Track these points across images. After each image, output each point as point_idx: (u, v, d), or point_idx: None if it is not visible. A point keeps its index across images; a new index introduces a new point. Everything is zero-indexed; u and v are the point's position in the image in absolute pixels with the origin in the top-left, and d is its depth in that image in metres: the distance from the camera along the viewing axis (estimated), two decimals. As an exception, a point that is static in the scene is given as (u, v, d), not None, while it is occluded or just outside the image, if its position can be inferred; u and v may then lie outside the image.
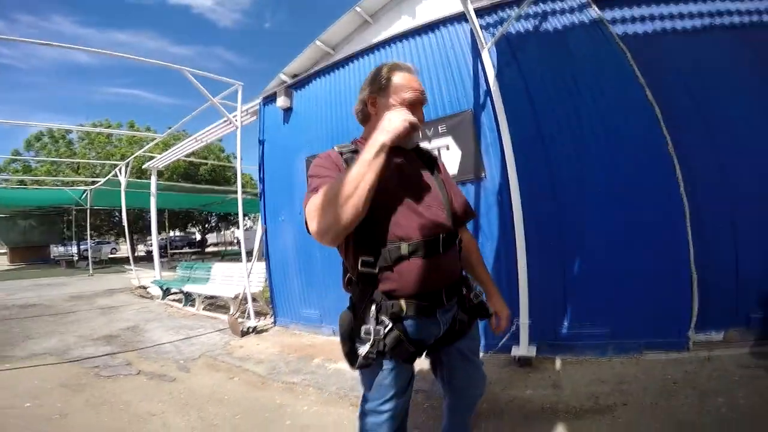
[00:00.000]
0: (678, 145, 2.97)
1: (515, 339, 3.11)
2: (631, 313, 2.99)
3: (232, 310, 5.46)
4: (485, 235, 3.52)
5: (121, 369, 3.63)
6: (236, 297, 5.44)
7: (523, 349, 3.04)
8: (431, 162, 1.38)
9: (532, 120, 3.39)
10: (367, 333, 1.07)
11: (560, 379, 2.75)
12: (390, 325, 1.07)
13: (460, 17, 3.72)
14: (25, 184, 15.80)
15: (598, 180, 3.16)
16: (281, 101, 5.07)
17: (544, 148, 3.34)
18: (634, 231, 3.03)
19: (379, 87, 1.25)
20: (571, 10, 3.43)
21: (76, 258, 19.66)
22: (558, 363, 3.01)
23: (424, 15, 4.39)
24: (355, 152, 1.19)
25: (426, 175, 1.29)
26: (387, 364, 1.11)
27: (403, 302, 1.09)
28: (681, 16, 3.24)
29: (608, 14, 3.34)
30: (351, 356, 1.11)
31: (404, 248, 1.09)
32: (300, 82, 5.14)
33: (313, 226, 1.01)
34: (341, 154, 1.20)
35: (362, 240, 1.11)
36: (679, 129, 3.00)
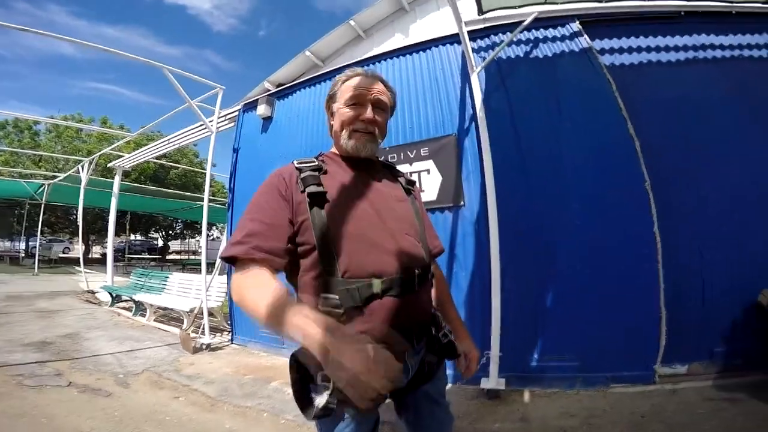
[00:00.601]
0: (654, 182, 3.05)
1: (485, 371, 3.00)
2: (600, 346, 2.98)
3: (185, 324, 5.10)
4: (460, 264, 3.45)
5: (49, 379, 3.25)
6: (191, 310, 5.09)
7: (493, 381, 2.94)
8: (408, 186, 1.27)
9: (515, 148, 3.41)
10: (325, 380, 0.87)
11: (529, 413, 2.69)
12: None
13: (452, 39, 3.78)
14: (-21, 173, 14.74)
15: (574, 212, 3.18)
16: (262, 109, 4.96)
17: (525, 178, 3.35)
18: (607, 266, 3.05)
19: (331, 95, 1.19)
20: (563, 38, 3.55)
21: (22, 255, 18.27)
22: (527, 395, 2.94)
23: (417, 34, 4.45)
24: (318, 170, 1.06)
25: (403, 199, 1.18)
26: (349, 412, 0.97)
27: None
28: (667, 48, 3.43)
29: (597, 44, 3.47)
30: (306, 405, 0.93)
31: (377, 285, 0.95)
32: (283, 92, 5.06)
33: (234, 297, 0.94)
34: (300, 170, 1.06)
35: (325, 273, 0.95)
36: (657, 166, 3.09)
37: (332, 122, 1.19)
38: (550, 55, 3.55)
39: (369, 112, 1.10)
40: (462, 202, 3.50)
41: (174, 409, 2.86)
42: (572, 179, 3.23)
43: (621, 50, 3.47)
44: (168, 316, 6.22)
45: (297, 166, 1.08)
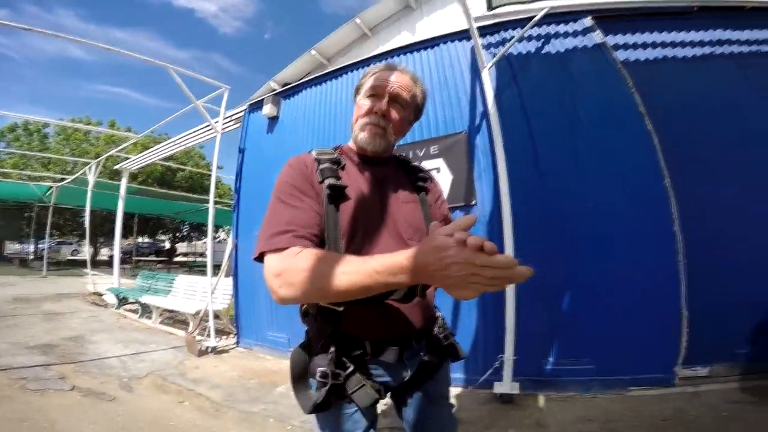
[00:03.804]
0: (675, 180, 2.95)
1: (498, 375, 2.93)
2: (618, 349, 2.90)
3: (191, 327, 5.05)
4: (472, 265, 3.35)
5: (52, 383, 3.20)
6: (197, 313, 5.04)
7: (507, 385, 2.86)
8: (422, 182, 1.20)
9: (529, 146, 3.32)
10: (324, 376, 0.91)
11: (544, 418, 2.61)
12: (352, 368, 0.94)
13: (461, 35, 3.69)
14: (-11, 176, 14.85)
15: (592, 213, 3.08)
16: (267, 109, 4.90)
17: (539, 176, 3.26)
18: (626, 268, 2.95)
19: (357, 87, 1.14)
20: (575, 34, 3.45)
21: (31, 257, 18.42)
22: (542, 400, 2.86)
23: (424, 32, 4.37)
24: (336, 162, 1.03)
25: (412, 199, 1.13)
26: (347, 408, 0.97)
27: (368, 345, 0.96)
28: (682, 44, 3.35)
29: (611, 39, 3.38)
30: (304, 400, 0.96)
31: None
32: (289, 91, 5.00)
33: (282, 291, 0.79)
34: (318, 161, 1.02)
35: None
36: (677, 163, 2.99)
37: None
38: (562, 50, 3.46)
39: (382, 104, 1.04)
40: (474, 201, 3.42)
41: (178, 414, 2.80)
42: (589, 177, 3.13)
43: (635, 46, 3.39)
44: (174, 318, 6.18)
45: (316, 156, 1.04)
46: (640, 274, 2.91)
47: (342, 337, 0.95)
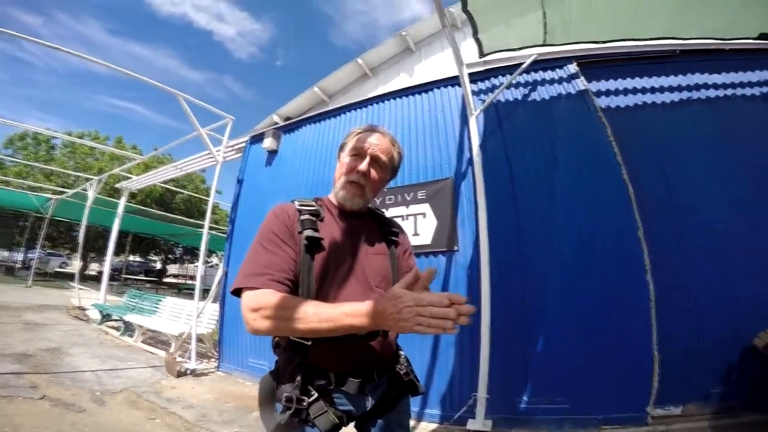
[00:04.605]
0: (647, 227, 3.07)
1: (472, 412, 2.92)
2: (591, 389, 2.91)
3: (172, 348, 4.99)
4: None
5: (22, 390, 3.15)
6: (180, 335, 5.00)
7: (479, 422, 2.86)
8: (394, 236, 1.30)
9: (509, 193, 3.45)
10: (289, 401, 0.99)
11: None
12: (316, 396, 1.02)
13: (454, 80, 3.87)
14: (-8, 182, 14.95)
15: (565, 257, 3.19)
16: (268, 142, 5.07)
17: (518, 223, 3.37)
18: (599, 311, 3.02)
19: (342, 145, 1.27)
20: (560, 80, 3.65)
21: (17, 266, 18.13)
22: (514, 438, 2.83)
23: (422, 75, 4.59)
24: (315, 215, 1.14)
25: (382, 251, 1.24)
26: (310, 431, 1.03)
27: (332, 376, 1.04)
28: (661, 89, 3.50)
29: (594, 86, 3.56)
30: (269, 421, 1.03)
31: None
32: (290, 126, 5.19)
33: (257, 324, 0.93)
34: (300, 212, 1.13)
35: None
36: (650, 211, 3.13)
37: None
38: (547, 97, 3.64)
39: (364, 165, 1.17)
40: (456, 247, 3.50)
41: (148, 429, 2.76)
42: (565, 224, 3.25)
43: (617, 92, 3.55)
44: (156, 338, 6.09)
45: (298, 207, 1.15)
46: (614, 319, 2.97)
47: (308, 367, 1.03)
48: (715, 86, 3.49)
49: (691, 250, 3.07)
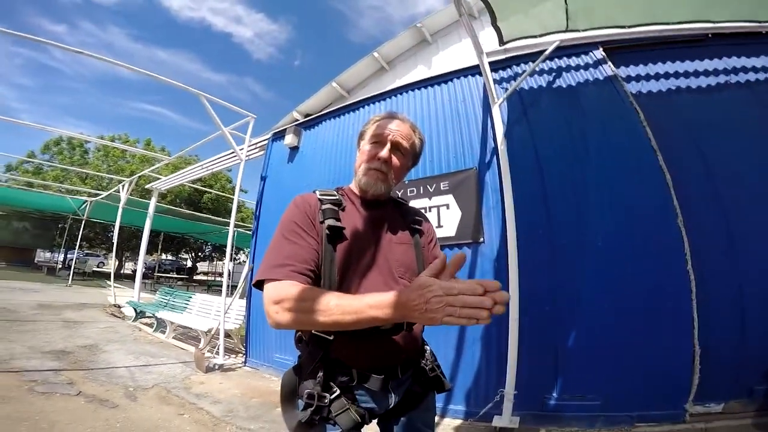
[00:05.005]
0: (687, 216, 2.89)
1: (498, 408, 2.84)
2: (626, 386, 2.79)
3: (201, 344, 5.12)
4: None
5: (60, 387, 3.29)
6: (209, 331, 5.13)
7: (506, 419, 2.77)
8: (417, 225, 1.26)
9: (538, 183, 3.31)
10: (311, 397, 0.96)
11: None
12: (338, 392, 0.99)
13: (474, 70, 3.76)
14: (32, 186, 15.82)
15: (599, 249, 3.03)
16: (289, 139, 5.12)
17: (547, 213, 3.23)
18: (635, 304, 2.86)
19: (361, 133, 1.24)
20: (586, 66, 3.46)
21: (59, 266, 19.16)
22: (542, 435, 2.75)
23: (439, 66, 4.49)
24: (337, 204, 1.11)
25: (405, 239, 1.19)
26: (330, 430, 1.00)
27: (355, 372, 1.01)
28: (696, 73, 3.26)
29: (623, 71, 3.35)
30: (290, 418, 1.01)
31: None
32: (310, 122, 5.21)
33: (279, 317, 0.89)
34: (321, 201, 1.10)
35: None
36: (689, 199, 2.93)
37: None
38: (573, 84, 3.47)
39: (385, 151, 1.13)
40: (481, 239, 3.40)
41: (176, 425, 2.82)
42: (598, 214, 3.09)
43: (648, 77, 3.33)
44: (187, 334, 6.28)
45: (319, 197, 1.12)
46: (651, 312, 2.82)
47: (331, 363, 1.00)
48: (755, 69, 3.20)
49: (735, 238, 2.86)
